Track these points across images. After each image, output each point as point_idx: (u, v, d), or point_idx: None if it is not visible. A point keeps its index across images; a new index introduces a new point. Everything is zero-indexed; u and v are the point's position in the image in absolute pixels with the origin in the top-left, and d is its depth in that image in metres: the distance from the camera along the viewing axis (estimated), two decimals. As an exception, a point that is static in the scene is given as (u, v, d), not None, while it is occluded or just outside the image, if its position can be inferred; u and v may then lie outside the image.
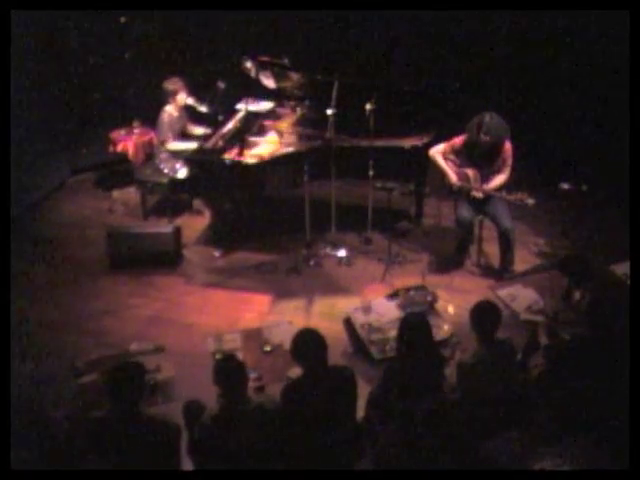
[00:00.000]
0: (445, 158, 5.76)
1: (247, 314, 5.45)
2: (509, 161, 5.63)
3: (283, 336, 4.86)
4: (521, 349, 4.14)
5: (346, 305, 5.41)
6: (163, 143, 6.52)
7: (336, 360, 4.43)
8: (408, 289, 5.43)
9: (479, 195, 5.63)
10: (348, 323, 5.23)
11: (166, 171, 6.50)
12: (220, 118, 6.45)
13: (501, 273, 5.75)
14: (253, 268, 6.00)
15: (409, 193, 6.57)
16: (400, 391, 3.65)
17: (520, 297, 5.36)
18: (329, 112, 5.96)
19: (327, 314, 5.40)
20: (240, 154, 5.94)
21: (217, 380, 3.45)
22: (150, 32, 7.21)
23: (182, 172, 6.37)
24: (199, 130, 6.67)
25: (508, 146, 5.59)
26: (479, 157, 5.60)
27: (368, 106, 5.76)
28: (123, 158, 7.07)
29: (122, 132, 7.08)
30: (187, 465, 3.53)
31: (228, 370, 3.45)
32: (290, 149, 6.11)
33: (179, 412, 3.73)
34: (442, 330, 4.98)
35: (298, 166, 5.90)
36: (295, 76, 6.33)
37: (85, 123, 7.25)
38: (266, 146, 6.23)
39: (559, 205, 6.59)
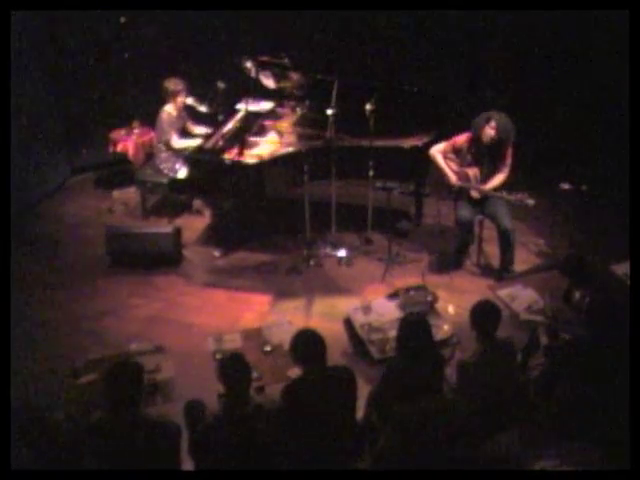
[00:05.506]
0: (445, 157, 5.77)
1: (247, 314, 5.45)
2: (508, 160, 5.66)
3: (283, 336, 4.85)
4: (521, 349, 4.14)
5: (346, 305, 5.41)
6: (167, 143, 6.50)
7: (336, 360, 4.43)
8: (408, 289, 5.43)
9: (476, 195, 5.66)
10: (348, 323, 5.22)
11: (166, 171, 6.50)
12: (220, 118, 6.46)
13: (501, 273, 5.75)
14: (253, 268, 6.00)
15: (409, 193, 6.56)
16: (400, 391, 3.64)
17: (520, 297, 5.35)
18: (329, 112, 5.94)
19: (327, 314, 5.40)
20: (240, 154, 5.93)
21: (221, 378, 3.44)
22: (150, 32, 7.20)
23: (182, 172, 6.37)
24: (200, 130, 6.66)
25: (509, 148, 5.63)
26: (481, 154, 5.61)
27: (368, 106, 5.75)
28: (123, 158, 7.08)
29: (122, 132, 7.08)
30: (187, 465, 3.53)
31: (233, 368, 3.44)
32: (290, 149, 6.10)
33: (179, 412, 3.73)
34: (442, 330, 4.97)
35: (298, 166, 5.89)
36: (295, 76, 6.33)
37: (85, 123, 7.26)
38: (266, 146, 6.22)
39: (559, 205, 6.59)
